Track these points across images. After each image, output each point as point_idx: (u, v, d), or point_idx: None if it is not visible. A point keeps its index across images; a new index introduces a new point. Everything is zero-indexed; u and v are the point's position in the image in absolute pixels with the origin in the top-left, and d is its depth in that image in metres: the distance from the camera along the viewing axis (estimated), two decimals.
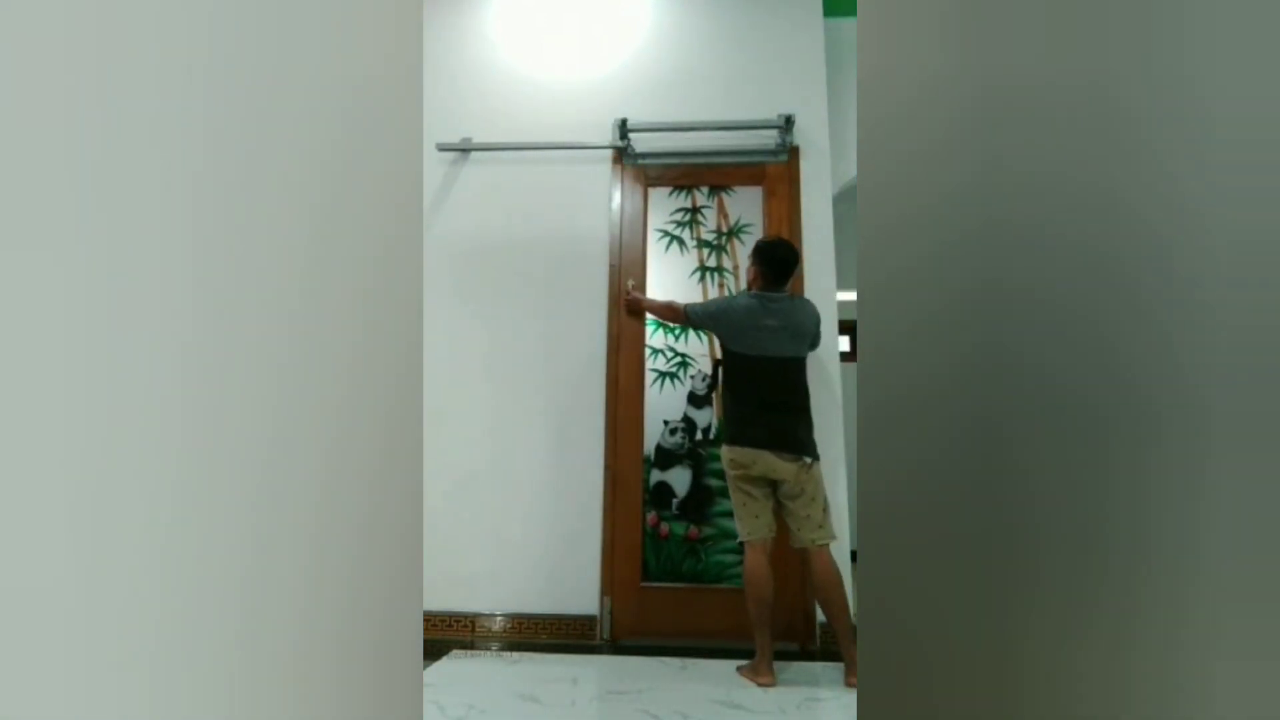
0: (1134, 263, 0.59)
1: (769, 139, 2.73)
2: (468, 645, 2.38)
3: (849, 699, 1.80)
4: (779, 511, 2.11)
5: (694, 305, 2.34)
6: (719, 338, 2.29)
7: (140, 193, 0.58)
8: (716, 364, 2.61)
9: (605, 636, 2.42)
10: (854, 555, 2.51)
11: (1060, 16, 0.61)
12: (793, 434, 2.09)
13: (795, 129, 2.71)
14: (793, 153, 2.72)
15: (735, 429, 2.14)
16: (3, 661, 0.51)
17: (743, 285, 2.64)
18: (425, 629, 2.39)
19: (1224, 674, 0.55)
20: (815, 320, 2.25)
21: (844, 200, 2.85)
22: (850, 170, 2.88)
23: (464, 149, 2.81)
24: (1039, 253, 0.61)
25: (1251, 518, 0.55)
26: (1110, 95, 0.60)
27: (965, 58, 0.63)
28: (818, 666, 2.13)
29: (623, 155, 2.77)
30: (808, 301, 2.30)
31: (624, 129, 2.72)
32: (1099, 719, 0.57)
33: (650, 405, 2.60)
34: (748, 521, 2.08)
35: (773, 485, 2.09)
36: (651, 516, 2.52)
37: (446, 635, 2.45)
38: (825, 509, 2.09)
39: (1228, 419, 0.56)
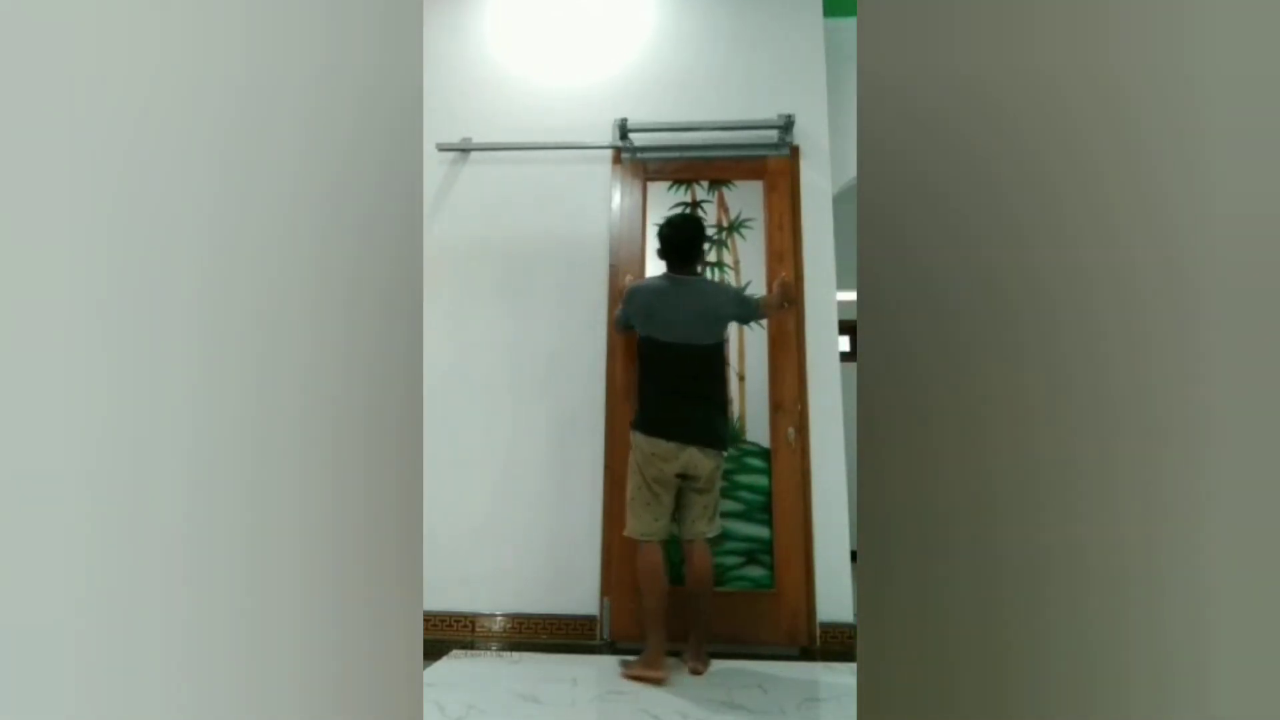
0: (1134, 262, 0.59)
1: (769, 138, 2.73)
2: (468, 645, 2.38)
3: (849, 699, 1.80)
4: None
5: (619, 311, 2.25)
6: (634, 324, 2.16)
7: (138, 193, 0.58)
8: None
9: (605, 637, 2.42)
10: (854, 555, 2.51)
11: (1060, 16, 0.61)
12: (714, 427, 2.05)
13: (795, 129, 2.70)
14: (793, 153, 2.72)
15: (653, 416, 2.04)
16: (9, 659, 0.51)
17: (743, 281, 2.64)
18: (425, 629, 2.39)
19: (1223, 674, 0.55)
20: (734, 300, 2.17)
21: (844, 200, 2.85)
22: (850, 170, 2.88)
23: (464, 149, 2.81)
24: (1038, 252, 0.61)
25: (1253, 519, 0.55)
26: (1110, 94, 0.60)
27: (965, 57, 0.63)
28: (818, 666, 2.13)
29: (622, 155, 2.77)
30: (721, 284, 2.32)
31: (624, 129, 2.71)
32: (1098, 717, 0.57)
33: None
34: (646, 522, 2.01)
35: (681, 480, 2.02)
36: None
37: (446, 635, 2.45)
38: (718, 501, 2.11)
39: (1231, 420, 0.56)
